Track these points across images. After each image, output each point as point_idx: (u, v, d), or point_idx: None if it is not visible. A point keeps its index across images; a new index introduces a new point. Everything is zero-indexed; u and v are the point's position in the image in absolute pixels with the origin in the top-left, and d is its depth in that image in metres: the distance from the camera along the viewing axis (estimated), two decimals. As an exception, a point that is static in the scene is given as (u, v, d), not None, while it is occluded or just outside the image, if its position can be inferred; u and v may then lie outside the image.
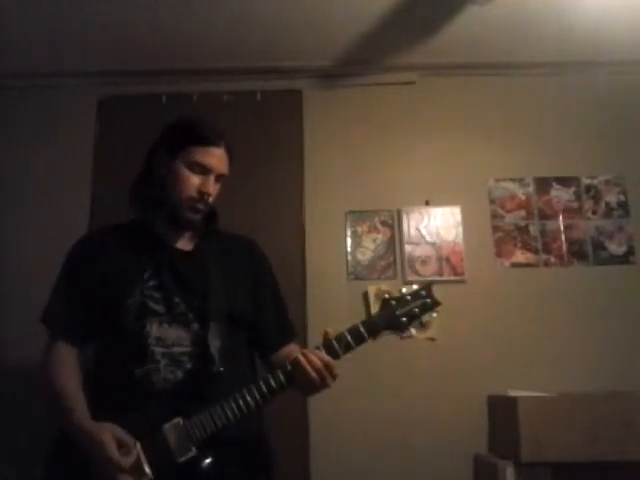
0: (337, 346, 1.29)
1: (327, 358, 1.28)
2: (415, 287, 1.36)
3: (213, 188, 1.43)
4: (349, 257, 2.45)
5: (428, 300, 1.34)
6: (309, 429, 2.25)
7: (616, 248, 2.45)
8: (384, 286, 2.39)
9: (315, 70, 2.60)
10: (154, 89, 2.59)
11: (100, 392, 1.35)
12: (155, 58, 2.50)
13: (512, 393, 2.11)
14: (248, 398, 1.27)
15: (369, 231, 2.48)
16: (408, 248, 2.44)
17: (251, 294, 1.49)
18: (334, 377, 1.29)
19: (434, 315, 1.34)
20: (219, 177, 1.45)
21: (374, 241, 2.47)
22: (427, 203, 2.50)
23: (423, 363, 2.30)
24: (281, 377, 1.29)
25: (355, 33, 2.36)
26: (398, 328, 1.32)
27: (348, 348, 1.30)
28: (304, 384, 1.28)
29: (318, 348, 1.29)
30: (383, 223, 2.49)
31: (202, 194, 1.41)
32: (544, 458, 1.92)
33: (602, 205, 2.50)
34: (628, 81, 2.60)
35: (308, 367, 1.26)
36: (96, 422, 1.25)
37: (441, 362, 2.30)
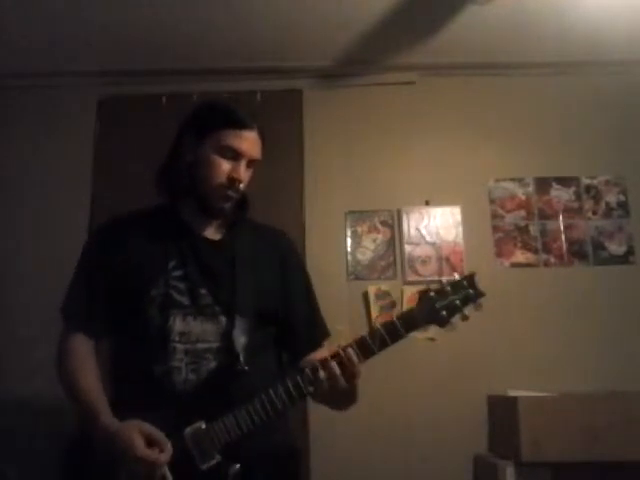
0: (371, 342, 1.17)
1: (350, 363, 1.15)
2: (457, 276, 1.22)
3: (245, 174, 1.32)
4: (349, 257, 2.45)
5: (471, 291, 1.21)
6: (309, 429, 2.25)
7: (616, 248, 2.45)
8: (384, 286, 2.39)
9: (315, 70, 2.60)
10: (154, 89, 2.59)
11: (117, 391, 1.29)
12: (155, 58, 2.50)
13: (512, 393, 2.11)
14: (275, 400, 1.17)
15: (369, 231, 2.48)
16: (408, 248, 2.44)
17: (281, 290, 1.39)
18: (352, 382, 1.17)
19: (478, 308, 1.21)
20: (251, 162, 1.34)
21: (374, 241, 2.47)
22: (427, 203, 2.50)
23: (423, 363, 2.30)
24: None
25: (355, 33, 2.36)
26: (438, 322, 1.20)
27: (383, 345, 1.18)
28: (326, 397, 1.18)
29: (351, 346, 1.17)
30: (383, 223, 2.49)
31: (233, 180, 1.29)
32: (544, 458, 1.91)
33: (602, 205, 2.50)
34: (628, 81, 2.60)
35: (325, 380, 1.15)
36: (121, 421, 1.16)
37: (441, 362, 2.30)
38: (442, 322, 1.20)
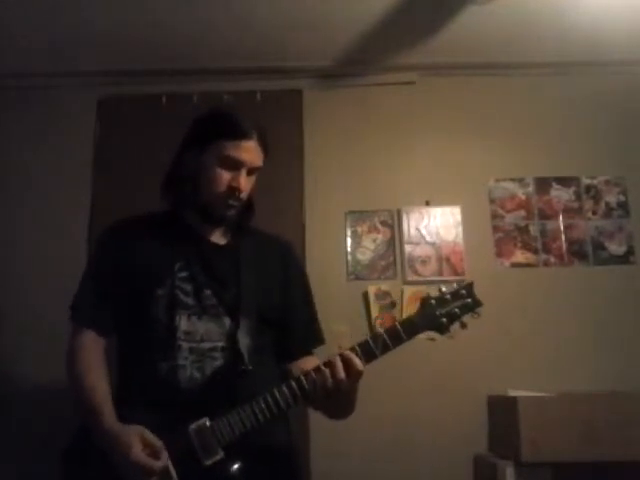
0: (374, 346, 1.22)
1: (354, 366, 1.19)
2: (455, 286, 1.29)
3: (245, 182, 1.35)
4: (349, 257, 2.45)
5: (469, 300, 1.28)
6: (309, 429, 2.25)
7: (616, 248, 2.45)
8: (384, 286, 2.39)
9: (315, 70, 2.60)
10: (154, 89, 2.59)
11: (122, 388, 1.30)
12: (155, 58, 2.50)
13: (512, 393, 2.11)
14: (279, 398, 1.19)
15: (369, 231, 2.48)
16: (408, 248, 2.44)
17: (282, 295, 1.43)
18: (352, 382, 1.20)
19: (475, 316, 1.28)
20: (252, 170, 1.37)
21: (374, 241, 2.47)
22: (427, 203, 2.50)
23: (423, 363, 2.30)
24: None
25: (355, 33, 2.36)
26: (438, 329, 1.26)
27: (385, 349, 1.23)
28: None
29: (354, 349, 1.21)
30: (383, 223, 2.49)
31: (233, 189, 1.34)
32: (544, 458, 1.91)
33: (602, 205, 2.50)
34: (628, 81, 2.60)
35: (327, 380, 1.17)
36: (123, 424, 1.19)
37: (441, 362, 2.30)
38: (442, 329, 1.26)
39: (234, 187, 1.33)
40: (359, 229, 2.48)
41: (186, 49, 2.44)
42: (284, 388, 1.20)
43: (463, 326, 1.27)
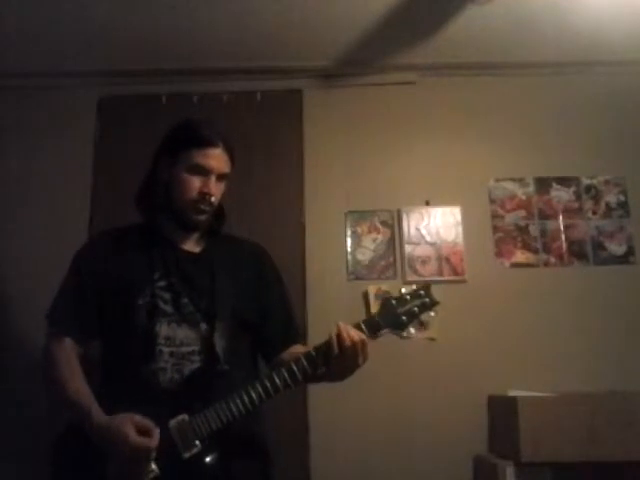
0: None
1: (362, 335, 1.29)
2: (414, 287, 1.40)
3: (215, 188, 1.45)
4: (349, 257, 2.45)
5: (427, 300, 1.37)
6: (309, 429, 2.25)
7: (616, 248, 2.45)
8: (384, 286, 2.39)
9: (315, 70, 2.60)
10: (154, 89, 2.59)
11: (105, 391, 1.36)
12: (155, 58, 2.50)
13: (512, 393, 2.11)
14: (252, 394, 1.29)
15: (369, 231, 2.48)
16: (408, 248, 2.44)
17: (257, 297, 1.51)
18: (366, 357, 1.30)
19: (432, 314, 1.38)
20: (221, 177, 1.47)
21: (374, 241, 2.47)
22: (427, 203, 2.50)
23: (423, 363, 2.30)
24: (298, 368, 1.30)
25: (355, 33, 2.36)
26: (398, 327, 1.35)
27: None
28: (339, 361, 1.28)
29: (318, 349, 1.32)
30: (383, 223, 2.49)
31: (204, 194, 1.43)
32: (544, 458, 1.91)
33: (602, 205, 2.50)
34: (628, 81, 2.60)
35: (347, 339, 1.27)
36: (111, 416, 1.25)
37: (441, 362, 2.30)
38: (402, 326, 1.35)
39: (204, 192, 1.43)
40: (359, 229, 2.48)
41: (186, 49, 2.44)
42: (257, 385, 1.29)
43: (422, 324, 1.41)
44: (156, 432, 1.22)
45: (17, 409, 2.21)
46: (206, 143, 1.44)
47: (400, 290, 1.39)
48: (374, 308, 2.36)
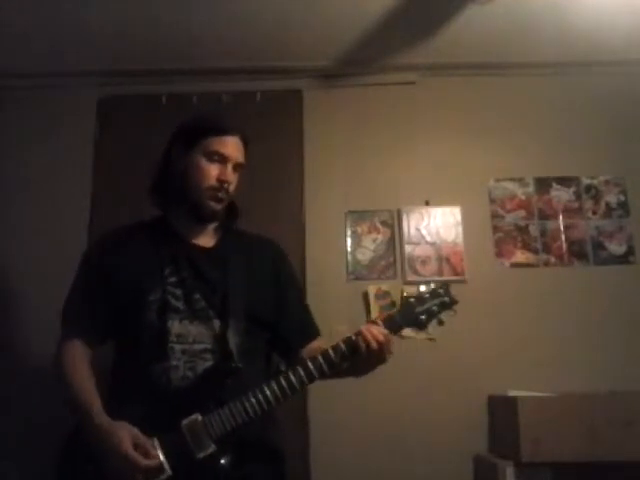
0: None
1: (386, 332, 1.30)
2: (433, 286, 1.39)
3: (232, 176, 1.44)
4: (349, 257, 2.45)
5: (446, 298, 1.37)
6: (309, 429, 2.25)
7: (616, 248, 2.45)
8: (384, 286, 2.39)
9: (315, 70, 2.60)
10: (154, 89, 2.59)
11: (118, 390, 1.35)
12: (155, 58, 2.50)
13: (512, 393, 2.11)
14: (268, 393, 1.26)
15: (369, 231, 2.48)
16: (408, 248, 2.44)
17: (272, 295, 1.48)
18: (390, 353, 1.31)
19: (452, 313, 1.37)
20: (237, 166, 1.46)
21: (374, 241, 2.47)
22: (427, 203, 2.50)
23: (423, 363, 2.30)
24: (326, 361, 1.29)
25: (355, 33, 2.36)
26: (417, 325, 1.34)
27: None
28: (366, 360, 1.30)
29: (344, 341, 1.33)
30: (383, 223, 2.49)
31: (222, 182, 1.42)
32: (544, 458, 1.91)
33: (602, 205, 2.50)
34: (628, 81, 2.60)
35: (372, 341, 1.28)
36: (113, 420, 1.23)
37: (441, 362, 2.30)
38: (421, 325, 1.35)
39: (222, 180, 1.41)
40: (359, 229, 2.48)
41: (186, 49, 2.44)
42: (273, 384, 1.27)
43: (440, 323, 1.36)
44: (154, 454, 1.19)
45: (18, 410, 2.21)
46: (224, 130, 1.43)
47: (419, 288, 1.38)
48: (374, 308, 2.36)
